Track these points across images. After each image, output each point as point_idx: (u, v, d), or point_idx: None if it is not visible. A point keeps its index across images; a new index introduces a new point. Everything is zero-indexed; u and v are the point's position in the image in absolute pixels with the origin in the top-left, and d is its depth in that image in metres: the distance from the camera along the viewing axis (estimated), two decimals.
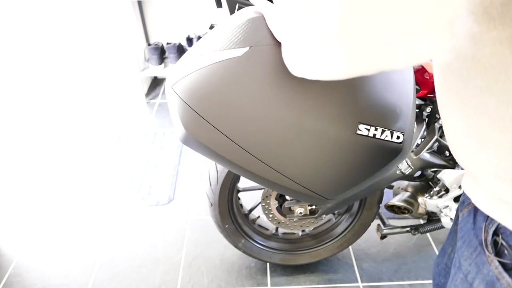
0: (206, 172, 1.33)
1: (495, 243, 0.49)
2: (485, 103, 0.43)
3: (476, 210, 0.54)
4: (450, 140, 0.54)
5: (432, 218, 1.36)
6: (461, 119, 0.48)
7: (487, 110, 0.43)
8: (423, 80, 1.09)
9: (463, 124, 0.48)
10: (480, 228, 0.51)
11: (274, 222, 1.42)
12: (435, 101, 1.14)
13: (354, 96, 0.60)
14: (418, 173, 1.23)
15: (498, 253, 0.49)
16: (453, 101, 0.49)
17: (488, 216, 0.50)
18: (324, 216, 1.40)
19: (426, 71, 1.08)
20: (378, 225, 1.44)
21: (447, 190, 1.22)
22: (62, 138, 2.35)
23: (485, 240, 0.50)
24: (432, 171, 1.26)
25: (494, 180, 0.46)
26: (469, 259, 0.53)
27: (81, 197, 1.91)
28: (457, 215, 0.74)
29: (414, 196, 1.28)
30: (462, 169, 1.18)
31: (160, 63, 2.68)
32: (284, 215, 1.38)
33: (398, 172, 1.17)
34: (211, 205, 1.34)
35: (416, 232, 1.38)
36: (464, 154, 0.51)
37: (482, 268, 0.51)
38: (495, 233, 0.49)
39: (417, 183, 1.29)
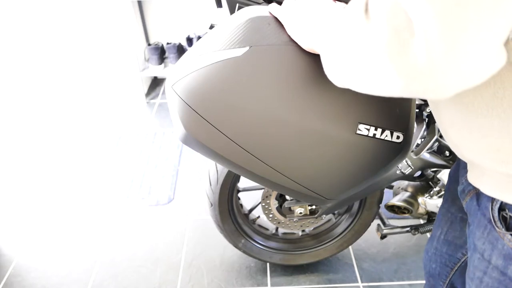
0: (206, 172, 1.33)
1: (503, 218, 0.51)
2: (482, 94, 0.44)
3: (478, 194, 0.56)
4: (450, 136, 0.55)
5: (432, 218, 1.36)
6: (459, 113, 0.49)
7: (484, 100, 0.44)
8: None
9: (461, 118, 0.49)
10: (486, 207, 0.54)
11: (274, 222, 1.42)
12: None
13: (354, 96, 0.60)
14: (418, 173, 1.23)
15: (508, 227, 0.51)
16: (450, 103, 0.50)
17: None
18: (324, 216, 1.40)
19: None
20: (378, 225, 1.44)
21: None
22: (62, 138, 2.35)
23: (493, 216, 0.52)
24: (432, 171, 1.26)
25: (498, 165, 0.48)
26: (482, 238, 0.55)
27: (81, 197, 1.91)
28: (445, 197, 0.75)
29: (414, 196, 1.28)
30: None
31: (160, 63, 2.68)
32: (284, 215, 1.38)
33: (398, 172, 1.17)
34: (211, 205, 1.34)
35: (416, 232, 1.38)
36: (466, 147, 0.52)
37: (496, 244, 0.52)
38: (501, 208, 0.51)
39: (417, 183, 1.29)
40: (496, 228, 0.52)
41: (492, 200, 0.52)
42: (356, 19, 0.38)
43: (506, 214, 0.51)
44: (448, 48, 0.32)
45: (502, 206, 0.51)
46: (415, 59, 0.33)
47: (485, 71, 0.34)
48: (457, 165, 0.72)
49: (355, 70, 0.41)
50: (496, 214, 0.52)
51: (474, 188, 0.56)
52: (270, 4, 0.65)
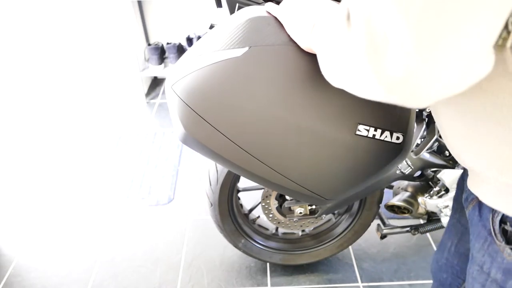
0: (206, 172, 1.33)
1: (504, 232, 0.50)
2: (481, 101, 0.44)
3: (480, 203, 0.55)
4: (450, 144, 0.54)
5: (432, 218, 1.35)
6: (459, 121, 0.49)
7: (483, 107, 0.44)
8: None
9: (462, 124, 0.49)
10: (487, 218, 0.53)
11: (274, 222, 1.42)
12: None
13: (353, 97, 0.59)
14: (418, 173, 1.23)
15: (508, 240, 0.50)
16: (450, 110, 0.50)
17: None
18: (324, 216, 1.40)
19: None
20: (378, 225, 1.44)
21: (447, 190, 1.21)
22: (62, 138, 2.35)
23: (493, 229, 0.51)
24: (432, 171, 1.26)
25: (497, 173, 0.48)
26: (481, 250, 0.54)
27: (81, 197, 1.91)
28: (454, 208, 0.75)
29: (414, 196, 1.28)
30: (461, 168, 1.18)
31: (160, 63, 2.68)
32: (284, 215, 1.38)
33: (398, 172, 1.17)
34: (211, 205, 1.34)
35: (416, 232, 1.38)
36: (465, 155, 0.52)
37: (495, 257, 0.52)
38: (502, 221, 0.50)
39: (417, 183, 1.29)
40: (497, 241, 0.51)
41: (493, 211, 0.51)
42: (338, 25, 0.38)
43: (507, 227, 0.50)
44: (423, 59, 0.32)
45: (503, 219, 0.50)
46: (392, 70, 0.34)
47: (467, 79, 0.34)
48: (463, 173, 0.72)
49: (343, 72, 0.42)
50: (497, 227, 0.51)
51: (477, 196, 0.55)
52: (266, 3, 0.65)
